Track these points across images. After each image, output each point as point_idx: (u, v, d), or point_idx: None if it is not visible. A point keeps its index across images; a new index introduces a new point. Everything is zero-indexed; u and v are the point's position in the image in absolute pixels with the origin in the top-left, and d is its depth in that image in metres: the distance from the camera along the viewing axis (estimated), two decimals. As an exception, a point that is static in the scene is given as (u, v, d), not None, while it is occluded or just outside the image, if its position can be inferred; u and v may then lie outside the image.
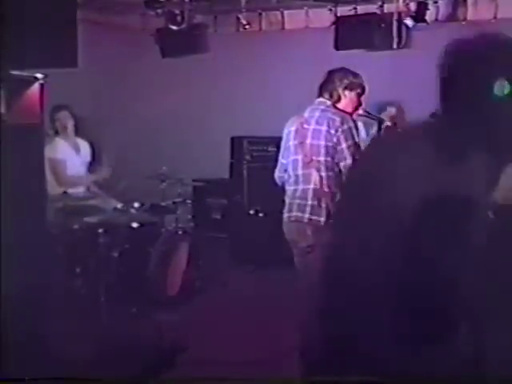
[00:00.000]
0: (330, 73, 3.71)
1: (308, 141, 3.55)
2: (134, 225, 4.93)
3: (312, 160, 3.52)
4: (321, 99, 3.67)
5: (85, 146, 5.55)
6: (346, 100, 3.66)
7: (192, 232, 5.70)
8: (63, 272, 4.67)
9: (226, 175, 6.67)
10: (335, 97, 3.64)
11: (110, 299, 4.55)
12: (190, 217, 6.05)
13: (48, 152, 5.16)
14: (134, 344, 4.07)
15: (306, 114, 3.64)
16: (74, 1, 3.56)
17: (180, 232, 5.36)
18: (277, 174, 3.83)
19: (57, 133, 5.38)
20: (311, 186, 3.53)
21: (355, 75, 3.70)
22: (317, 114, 3.59)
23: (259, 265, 6.09)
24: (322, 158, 3.50)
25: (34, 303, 3.45)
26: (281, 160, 3.79)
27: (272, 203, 6.00)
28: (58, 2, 3.39)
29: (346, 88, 3.64)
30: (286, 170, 3.74)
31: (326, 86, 3.67)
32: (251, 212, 6.26)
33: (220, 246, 6.41)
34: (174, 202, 5.53)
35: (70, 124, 5.42)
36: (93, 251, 4.67)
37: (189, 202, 5.79)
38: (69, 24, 3.37)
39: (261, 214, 6.25)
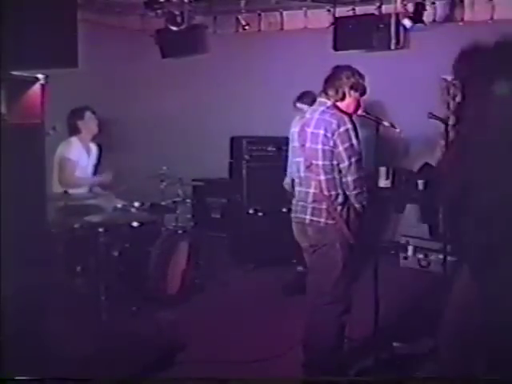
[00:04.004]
0: (337, 68, 3.65)
1: (307, 144, 3.57)
2: (135, 224, 4.95)
3: (311, 164, 3.54)
4: (322, 99, 3.63)
5: (95, 149, 5.56)
6: (350, 99, 3.60)
7: (192, 231, 5.72)
8: (64, 271, 4.69)
9: (226, 175, 6.69)
10: (340, 94, 3.58)
11: (111, 298, 4.56)
12: (189, 216, 6.08)
13: (62, 150, 5.21)
14: (134, 343, 4.07)
15: (308, 115, 3.64)
16: (74, 1, 3.57)
17: (180, 231, 5.37)
18: (288, 170, 3.97)
19: (72, 133, 5.38)
20: (311, 190, 3.56)
21: (361, 76, 3.65)
22: (316, 115, 3.57)
23: (258, 263, 6.12)
24: (320, 162, 3.51)
25: (34, 302, 3.45)
26: (290, 158, 3.92)
27: (271, 202, 6.10)
28: (58, 2, 3.41)
29: (351, 87, 3.59)
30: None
31: (332, 82, 3.60)
32: (250, 211, 6.28)
33: (219, 244, 6.44)
34: (173, 202, 5.55)
35: (94, 126, 5.44)
36: (93, 250, 4.68)
37: (188, 201, 5.81)
38: (69, 24, 3.39)
39: (260, 214, 6.27)
